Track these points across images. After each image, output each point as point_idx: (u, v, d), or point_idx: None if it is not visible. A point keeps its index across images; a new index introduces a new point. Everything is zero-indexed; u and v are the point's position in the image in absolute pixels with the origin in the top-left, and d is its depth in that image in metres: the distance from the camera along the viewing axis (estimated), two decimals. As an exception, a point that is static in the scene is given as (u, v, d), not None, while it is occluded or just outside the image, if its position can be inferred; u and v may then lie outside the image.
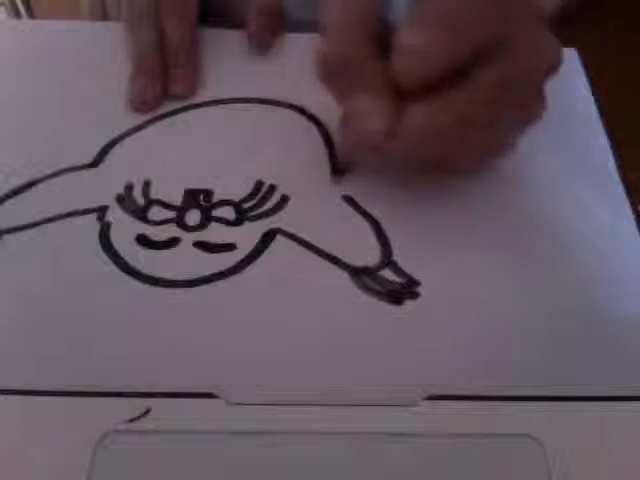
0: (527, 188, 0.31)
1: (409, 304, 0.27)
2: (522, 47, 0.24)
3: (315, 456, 0.23)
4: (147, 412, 0.23)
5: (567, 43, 0.38)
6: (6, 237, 0.29)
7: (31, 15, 1.04)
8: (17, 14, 1.04)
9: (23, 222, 0.29)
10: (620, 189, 0.31)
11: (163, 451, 0.23)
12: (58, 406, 0.23)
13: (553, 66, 0.26)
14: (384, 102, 0.25)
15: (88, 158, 0.32)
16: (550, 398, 0.24)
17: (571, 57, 0.38)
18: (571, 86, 0.36)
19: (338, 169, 0.32)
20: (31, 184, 0.31)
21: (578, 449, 0.23)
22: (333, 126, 0.34)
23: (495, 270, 0.28)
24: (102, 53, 0.37)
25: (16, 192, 0.30)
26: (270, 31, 0.38)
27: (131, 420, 0.23)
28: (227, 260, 0.28)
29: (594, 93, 0.36)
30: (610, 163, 0.32)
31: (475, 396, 0.24)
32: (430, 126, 0.24)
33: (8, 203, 0.30)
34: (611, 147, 0.33)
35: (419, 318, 0.26)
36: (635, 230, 0.30)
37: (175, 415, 0.23)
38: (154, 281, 0.27)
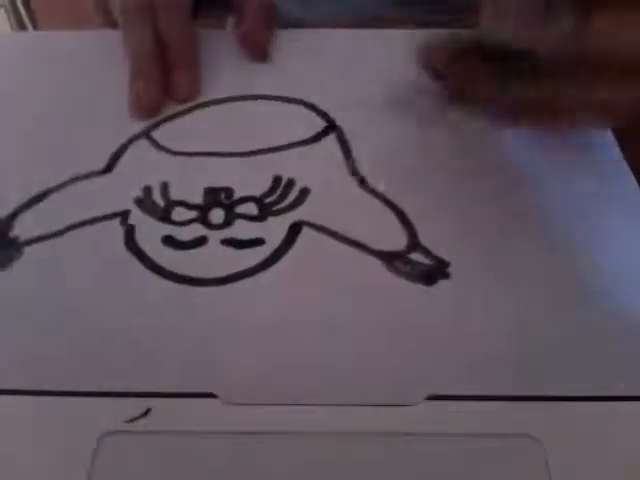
0: (539, 174, 0.32)
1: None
2: None
3: (315, 456, 0.23)
4: (147, 412, 0.23)
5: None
6: (26, 249, 0.29)
7: (31, 17, 1.04)
8: (17, 15, 1.04)
9: (42, 233, 0.29)
10: (631, 183, 0.31)
11: (163, 451, 0.23)
12: (58, 406, 0.23)
13: None
14: None
15: (99, 165, 0.32)
16: (550, 398, 0.24)
17: None
18: None
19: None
20: (45, 194, 0.31)
21: (578, 449, 0.23)
22: (339, 117, 0.34)
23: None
24: (107, 60, 0.37)
25: (30, 203, 0.30)
26: (266, 27, 0.38)
27: (131, 420, 0.23)
28: (257, 256, 0.28)
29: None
30: (615, 152, 0.33)
31: (475, 396, 0.24)
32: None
33: (25, 214, 0.30)
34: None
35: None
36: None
37: (175, 415, 0.23)
38: (182, 279, 0.27)
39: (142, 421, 0.23)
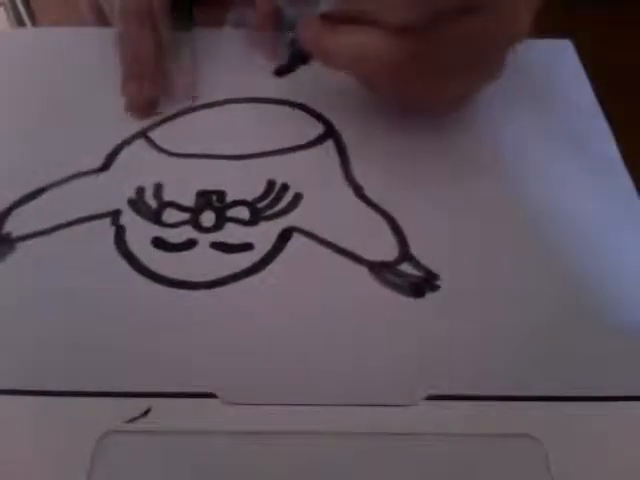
0: (533, 181, 0.32)
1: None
2: (493, 12, 0.26)
3: (315, 456, 0.23)
4: (147, 412, 0.23)
5: (565, 32, 0.39)
6: (19, 245, 0.28)
7: (31, 14, 1.04)
8: (16, 13, 1.04)
9: (35, 229, 0.29)
10: (625, 179, 0.31)
11: (163, 451, 0.23)
12: (58, 406, 0.23)
13: (518, 35, 0.28)
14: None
15: (96, 163, 0.32)
16: (550, 398, 0.24)
17: (566, 49, 0.38)
18: (568, 79, 0.36)
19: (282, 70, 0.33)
20: (40, 191, 0.30)
21: (578, 449, 0.23)
22: (338, 122, 0.34)
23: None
24: (107, 58, 0.37)
25: (25, 199, 0.30)
26: (274, 29, 0.38)
27: (131, 420, 0.23)
28: (245, 260, 0.28)
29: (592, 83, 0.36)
30: (612, 150, 0.33)
31: (475, 396, 0.24)
32: (392, 58, 0.27)
33: (19, 211, 0.30)
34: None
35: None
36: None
37: (175, 415, 0.23)
38: (171, 282, 0.27)
39: (142, 421, 0.23)
